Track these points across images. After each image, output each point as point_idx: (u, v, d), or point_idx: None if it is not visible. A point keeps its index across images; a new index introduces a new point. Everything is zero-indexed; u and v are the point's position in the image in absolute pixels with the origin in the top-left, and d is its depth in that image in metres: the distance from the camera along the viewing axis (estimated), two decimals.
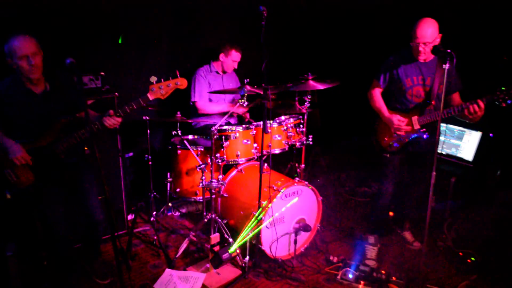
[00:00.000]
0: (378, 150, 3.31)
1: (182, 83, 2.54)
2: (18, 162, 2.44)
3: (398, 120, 3.12)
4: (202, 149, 3.49)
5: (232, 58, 3.96)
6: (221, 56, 3.98)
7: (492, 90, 2.75)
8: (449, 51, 2.63)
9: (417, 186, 3.30)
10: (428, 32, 2.88)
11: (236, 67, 4.06)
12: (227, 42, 4.00)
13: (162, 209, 3.84)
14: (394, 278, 2.99)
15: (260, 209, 2.98)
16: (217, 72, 4.09)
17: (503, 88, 2.73)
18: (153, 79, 2.47)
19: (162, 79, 2.50)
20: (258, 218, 2.99)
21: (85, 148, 2.61)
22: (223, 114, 4.03)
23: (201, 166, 3.17)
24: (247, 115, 4.20)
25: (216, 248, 3.15)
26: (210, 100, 4.05)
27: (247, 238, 3.06)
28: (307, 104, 3.49)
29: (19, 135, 2.49)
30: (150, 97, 2.50)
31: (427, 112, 3.07)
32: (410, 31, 2.97)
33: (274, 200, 3.08)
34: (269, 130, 3.19)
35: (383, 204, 3.44)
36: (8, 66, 2.46)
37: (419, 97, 3.12)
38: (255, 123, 3.42)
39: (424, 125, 3.07)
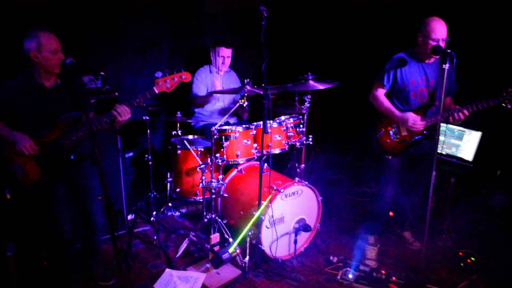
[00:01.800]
0: (379, 151, 3.30)
1: (186, 76, 2.62)
2: (26, 151, 2.44)
3: (412, 116, 3.05)
4: (202, 149, 3.49)
5: (219, 54, 3.93)
6: (211, 55, 3.99)
7: (495, 91, 2.76)
8: (449, 51, 2.65)
9: (418, 187, 3.29)
10: (445, 29, 2.89)
11: (226, 63, 4.01)
12: (215, 41, 3.99)
13: (162, 209, 3.84)
14: (394, 278, 2.99)
15: (260, 208, 2.98)
16: (217, 73, 4.10)
17: (509, 90, 2.74)
18: (159, 74, 2.56)
19: (167, 73, 2.57)
20: (257, 217, 2.98)
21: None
22: (223, 112, 4.04)
23: (201, 166, 3.18)
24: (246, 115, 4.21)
25: (216, 248, 3.15)
26: (210, 100, 4.06)
27: (245, 232, 3.05)
28: (307, 104, 3.48)
29: (28, 131, 2.50)
30: (156, 90, 2.56)
31: (430, 114, 3.06)
32: (419, 31, 2.96)
33: (274, 200, 3.08)
34: (269, 130, 3.19)
35: (383, 207, 3.42)
36: (26, 60, 2.47)
37: (423, 98, 3.12)
38: (255, 123, 3.43)
39: (427, 127, 3.06)
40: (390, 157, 3.26)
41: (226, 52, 3.94)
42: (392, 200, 3.42)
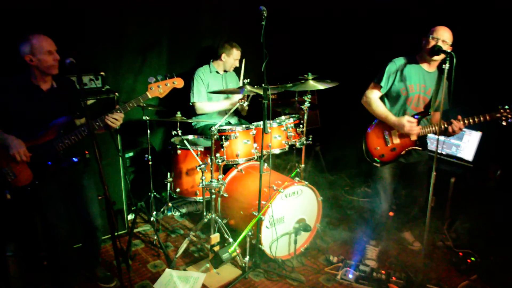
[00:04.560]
0: (368, 159, 3.21)
1: (179, 82, 2.67)
2: (18, 157, 2.42)
3: (408, 121, 2.96)
4: (202, 149, 3.49)
5: (234, 57, 4.00)
6: (223, 57, 3.99)
7: (493, 107, 2.78)
8: (449, 51, 2.65)
9: (417, 188, 3.27)
10: (450, 34, 2.87)
11: (237, 65, 4.08)
12: (227, 42, 4.02)
13: (162, 209, 3.84)
14: (394, 278, 3.00)
15: (261, 211, 2.98)
16: (217, 72, 4.10)
17: (506, 107, 2.74)
18: (152, 79, 2.60)
19: (159, 79, 2.62)
20: (258, 218, 2.98)
21: (86, 152, 2.62)
22: (223, 112, 4.04)
23: (201, 166, 3.18)
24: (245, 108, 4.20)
25: (216, 248, 3.15)
26: (210, 100, 4.06)
27: (245, 233, 3.05)
28: (307, 104, 3.48)
29: (21, 133, 2.49)
30: (149, 95, 2.61)
31: (423, 124, 3.04)
32: (423, 37, 2.95)
33: (274, 200, 3.08)
34: (269, 130, 3.19)
35: (382, 211, 3.37)
36: (23, 64, 2.46)
37: (417, 106, 3.07)
38: (255, 123, 3.43)
39: (419, 137, 3.03)
40: (378, 165, 3.17)
41: (238, 55, 4.02)
42: (389, 204, 3.37)
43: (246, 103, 3.65)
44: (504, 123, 2.78)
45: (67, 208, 2.73)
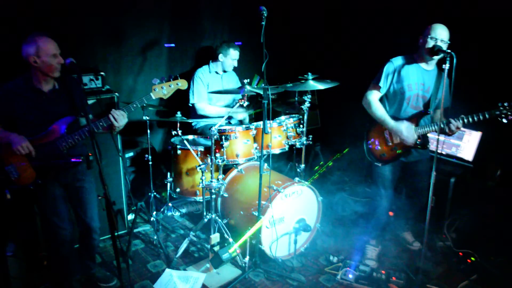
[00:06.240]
0: (369, 158, 3.22)
1: (183, 84, 2.67)
2: (23, 151, 2.42)
3: (406, 129, 2.96)
4: (202, 149, 3.49)
5: (231, 57, 3.98)
6: (220, 57, 3.99)
7: (492, 104, 2.77)
8: (449, 51, 2.64)
9: (417, 189, 3.27)
10: (447, 33, 2.86)
11: (236, 65, 4.07)
12: (224, 42, 4.02)
13: (162, 209, 3.84)
14: (394, 278, 3.00)
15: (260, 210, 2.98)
16: (217, 72, 4.10)
17: (505, 104, 2.74)
18: (156, 80, 2.61)
19: (163, 80, 2.62)
20: (258, 218, 2.99)
21: (90, 154, 2.62)
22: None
23: (201, 166, 3.18)
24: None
25: (216, 248, 3.15)
26: (210, 100, 4.06)
27: (247, 237, 3.05)
28: (307, 104, 3.48)
29: (24, 134, 2.49)
30: (153, 96, 2.62)
31: (424, 123, 3.03)
32: (419, 35, 2.94)
33: (274, 200, 3.08)
34: (269, 130, 3.19)
35: (381, 211, 3.36)
36: (25, 64, 2.45)
37: (417, 105, 3.06)
38: (255, 123, 3.43)
39: (420, 136, 3.02)
40: (379, 165, 3.17)
41: (236, 55, 4.01)
42: (390, 203, 3.37)
43: (246, 103, 3.64)
44: (504, 121, 2.76)
45: (68, 207, 2.73)
